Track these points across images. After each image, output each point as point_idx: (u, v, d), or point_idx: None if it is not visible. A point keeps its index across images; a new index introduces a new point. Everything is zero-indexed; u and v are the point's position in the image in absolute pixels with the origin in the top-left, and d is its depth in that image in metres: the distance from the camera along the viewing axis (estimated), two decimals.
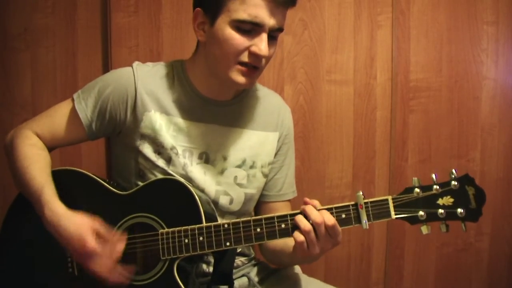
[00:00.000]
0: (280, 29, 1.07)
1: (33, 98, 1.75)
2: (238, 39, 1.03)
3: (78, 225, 0.98)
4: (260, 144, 1.21)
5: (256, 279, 1.23)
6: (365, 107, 1.94)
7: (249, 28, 1.02)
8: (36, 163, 1.07)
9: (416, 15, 1.93)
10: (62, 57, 1.76)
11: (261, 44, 1.03)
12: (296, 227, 0.98)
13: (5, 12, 1.71)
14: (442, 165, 1.97)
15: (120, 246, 1.00)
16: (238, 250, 1.22)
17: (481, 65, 1.98)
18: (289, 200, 1.28)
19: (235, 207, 1.18)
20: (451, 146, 1.99)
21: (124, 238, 1.02)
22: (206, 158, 1.15)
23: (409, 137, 1.97)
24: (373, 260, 1.99)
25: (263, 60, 1.06)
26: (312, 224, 0.97)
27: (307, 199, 1.00)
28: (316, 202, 1.00)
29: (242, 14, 1.01)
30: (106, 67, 1.77)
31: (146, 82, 1.13)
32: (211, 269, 1.14)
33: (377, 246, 1.98)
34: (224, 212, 1.18)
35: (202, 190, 1.14)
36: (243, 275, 1.23)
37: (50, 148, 1.15)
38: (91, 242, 0.96)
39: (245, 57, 1.05)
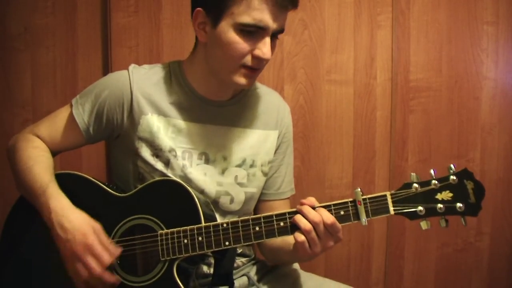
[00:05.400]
0: (282, 31, 1.07)
1: (33, 98, 1.75)
2: (242, 44, 1.03)
3: (82, 220, 0.99)
4: (260, 143, 1.21)
5: (255, 277, 1.23)
6: (365, 107, 1.94)
7: (252, 30, 1.02)
8: (40, 163, 1.08)
9: (416, 15, 1.93)
10: (62, 57, 1.76)
11: (264, 48, 1.03)
12: (295, 225, 0.98)
13: (5, 12, 1.71)
14: (442, 165, 1.94)
15: (113, 256, 0.99)
16: (239, 251, 1.22)
17: (481, 65, 1.98)
18: (288, 198, 1.28)
19: (236, 206, 1.18)
20: (451, 146, 1.99)
21: (118, 251, 1.01)
22: (206, 159, 1.15)
23: (409, 137, 1.97)
24: (373, 260, 1.99)
25: (264, 62, 1.07)
26: (311, 223, 0.97)
27: (303, 200, 1.00)
28: (312, 200, 1.00)
29: (247, 18, 1.01)
30: (106, 67, 1.77)
31: (142, 85, 1.13)
32: (211, 270, 1.14)
33: (377, 246, 1.98)
34: (225, 212, 1.18)
35: (202, 191, 1.14)
36: (242, 275, 1.23)
37: (52, 153, 1.16)
38: (93, 236, 0.97)
39: (248, 61, 1.05)
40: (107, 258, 0.98)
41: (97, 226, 1.00)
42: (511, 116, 2.01)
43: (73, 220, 0.98)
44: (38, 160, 1.09)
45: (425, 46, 1.94)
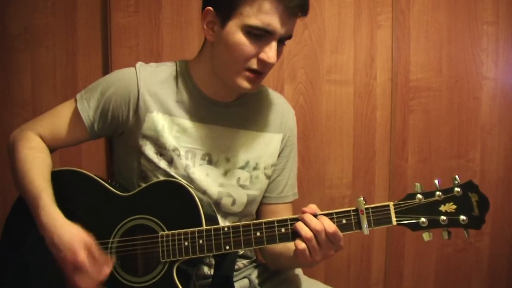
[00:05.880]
0: (290, 37, 1.07)
1: (33, 98, 1.75)
2: (248, 46, 1.03)
3: (73, 236, 0.97)
4: (264, 146, 1.20)
5: (257, 281, 1.22)
6: (365, 107, 1.93)
7: (260, 34, 1.02)
8: (35, 167, 1.07)
9: (416, 15, 1.93)
10: (62, 57, 1.76)
11: (270, 52, 1.03)
12: (296, 232, 0.98)
13: (5, 12, 1.71)
14: (442, 165, 1.97)
15: (106, 270, 0.99)
16: (240, 253, 1.22)
17: (481, 65, 1.98)
18: (290, 202, 1.27)
19: (238, 208, 1.18)
20: (451, 146, 1.99)
21: (112, 263, 1.01)
22: (209, 160, 1.15)
23: (409, 137, 1.97)
24: (373, 260, 1.99)
25: (269, 66, 1.06)
26: (312, 231, 0.96)
27: (304, 208, 0.99)
28: (314, 207, 0.99)
29: (255, 20, 1.00)
30: (106, 67, 1.77)
31: (148, 83, 1.12)
32: (212, 271, 1.13)
33: (377, 246, 1.98)
34: (227, 214, 1.17)
35: (204, 192, 1.13)
36: (244, 277, 1.23)
37: (52, 149, 1.15)
38: (82, 255, 0.96)
39: (253, 64, 1.05)
40: (98, 276, 0.97)
41: (88, 239, 0.98)
42: (511, 116, 2.01)
43: (62, 236, 0.97)
44: (34, 163, 1.08)
45: (425, 46, 1.94)
